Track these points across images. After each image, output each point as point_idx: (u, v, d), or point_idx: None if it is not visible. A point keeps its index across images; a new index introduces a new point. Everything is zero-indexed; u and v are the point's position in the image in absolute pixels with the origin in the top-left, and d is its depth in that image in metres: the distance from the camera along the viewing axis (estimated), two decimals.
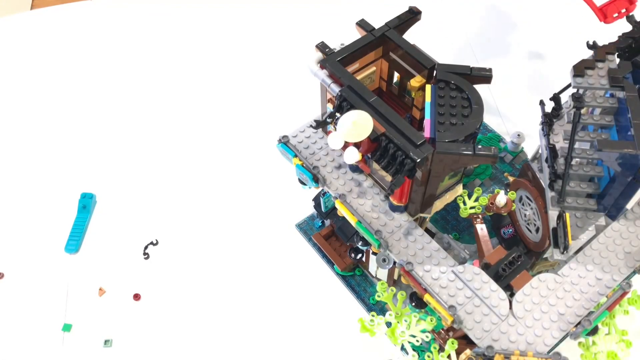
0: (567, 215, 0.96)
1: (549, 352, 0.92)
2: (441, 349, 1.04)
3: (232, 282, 1.42)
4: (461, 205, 1.16)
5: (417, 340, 1.02)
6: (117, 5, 2.13)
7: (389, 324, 1.02)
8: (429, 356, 1.02)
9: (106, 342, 1.34)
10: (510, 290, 1.02)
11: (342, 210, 1.04)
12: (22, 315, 1.39)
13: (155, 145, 1.70)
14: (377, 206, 1.04)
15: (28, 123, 1.76)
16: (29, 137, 1.73)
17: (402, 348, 1.04)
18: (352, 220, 1.03)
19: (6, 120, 1.77)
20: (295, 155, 1.09)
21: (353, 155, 0.95)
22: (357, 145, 0.96)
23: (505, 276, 1.03)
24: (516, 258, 1.05)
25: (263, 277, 1.43)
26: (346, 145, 0.95)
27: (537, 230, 1.11)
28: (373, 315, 1.02)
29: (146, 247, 1.48)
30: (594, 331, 0.99)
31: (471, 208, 1.15)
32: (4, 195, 1.59)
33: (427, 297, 0.96)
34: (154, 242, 1.49)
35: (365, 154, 0.97)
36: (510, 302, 0.94)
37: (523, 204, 1.14)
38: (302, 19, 2.03)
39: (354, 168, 1.07)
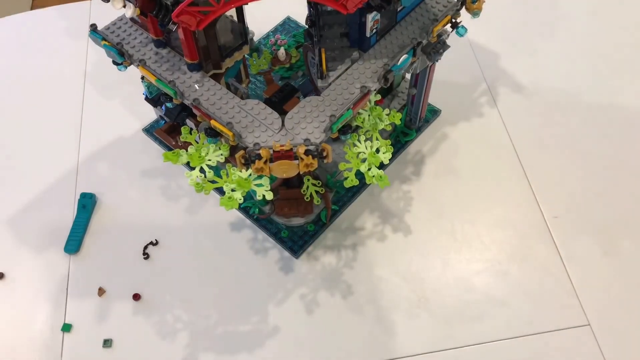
0: (323, 50, 1.18)
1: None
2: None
3: (232, 284, 1.42)
4: (252, 63, 1.44)
5: (214, 163, 1.20)
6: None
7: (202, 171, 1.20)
8: (223, 172, 1.19)
9: (106, 342, 1.35)
10: (285, 113, 1.20)
11: (144, 74, 1.25)
12: (22, 315, 1.39)
13: (154, 145, 1.70)
14: (177, 69, 1.23)
15: (28, 123, 1.77)
16: (29, 137, 1.73)
17: (201, 170, 1.20)
18: (152, 79, 1.24)
19: (6, 121, 1.78)
20: (103, 39, 1.29)
21: (129, 10, 1.15)
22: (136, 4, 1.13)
23: (278, 101, 1.31)
24: (284, 87, 1.32)
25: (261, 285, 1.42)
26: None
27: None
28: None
29: (146, 247, 1.48)
30: (354, 131, 1.21)
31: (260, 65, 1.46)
32: (4, 195, 1.60)
33: (213, 123, 1.17)
34: (154, 242, 1.49)
35: (143, 10, 1.14)
36: (283, 120, 1.15)
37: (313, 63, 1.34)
38: None
39: (158, 44, 1.26)
